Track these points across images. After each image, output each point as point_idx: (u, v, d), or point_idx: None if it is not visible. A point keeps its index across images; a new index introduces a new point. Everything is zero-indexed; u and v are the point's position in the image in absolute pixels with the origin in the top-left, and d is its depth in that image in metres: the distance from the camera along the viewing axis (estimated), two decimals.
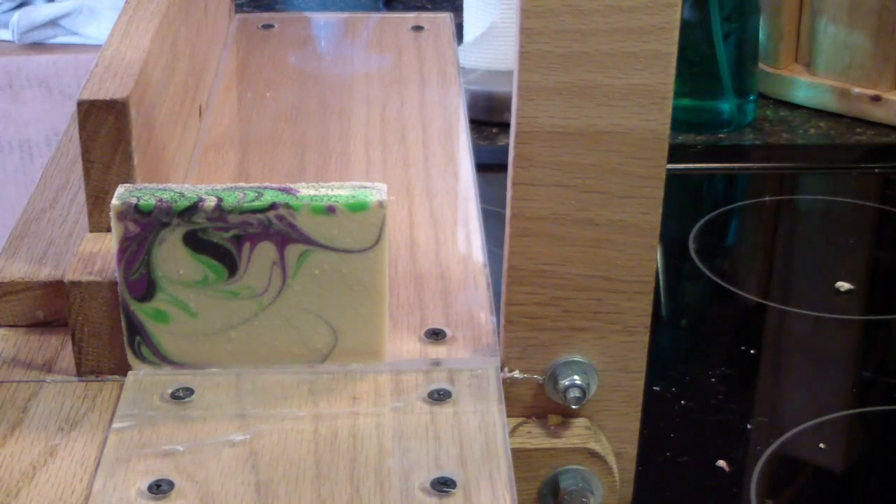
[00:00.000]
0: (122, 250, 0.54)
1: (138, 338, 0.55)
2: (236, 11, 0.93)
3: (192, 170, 0.72)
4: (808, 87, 1.30)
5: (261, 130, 0.77)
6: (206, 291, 0.54)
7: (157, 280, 0.54)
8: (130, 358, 0.56)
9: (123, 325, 0.55)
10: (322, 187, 0.55)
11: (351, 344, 0.56)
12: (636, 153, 0.54)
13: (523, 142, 0.54)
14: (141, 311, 0.55)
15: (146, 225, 0.53)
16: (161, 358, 0.56)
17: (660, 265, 1.03)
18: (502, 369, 0.58)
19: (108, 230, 0.55)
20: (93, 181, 0.59)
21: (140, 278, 0.54)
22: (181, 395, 0.55)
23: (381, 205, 0.54)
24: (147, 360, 0.56)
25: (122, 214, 0.53)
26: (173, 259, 0.54)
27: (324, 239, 0.54)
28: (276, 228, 0.53)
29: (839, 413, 0.86)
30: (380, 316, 0.56)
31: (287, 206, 0.53)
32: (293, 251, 0.54)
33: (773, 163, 1.23)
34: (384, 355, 0.56)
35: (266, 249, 0.54)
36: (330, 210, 0.53)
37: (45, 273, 0.60)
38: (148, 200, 0.53)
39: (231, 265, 0.54)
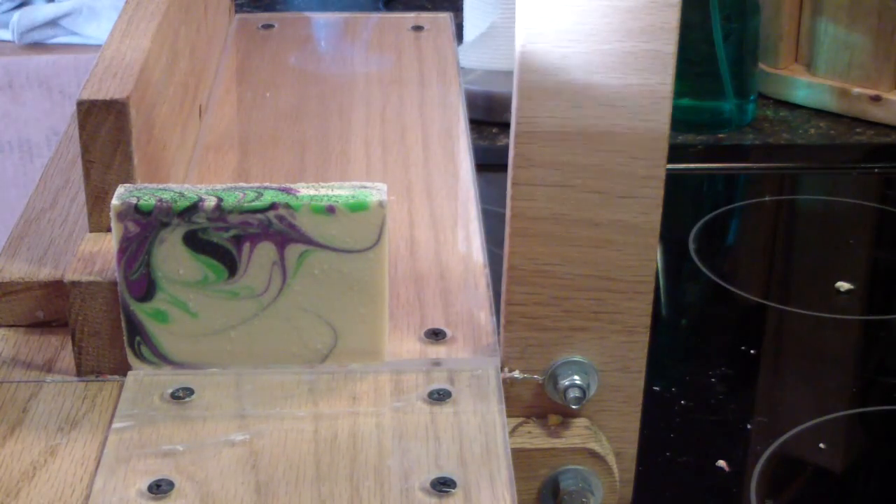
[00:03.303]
0: (122, 250, 0.54)
1: (138, 338, 0.55)
2: (236, 11, 0.93)
3: (192, 170, 0.72)
4: (808, 87, 1.30)
5: (261, 130, 0.77)
6: (206, 291, 0.54)
7: (157, 280, 0.54)
8: (130, 358, 0.56)
9: (123, 325, 0.55)
10: (322, 187, 0.55)
11: (351, 344, 0.56)
12: (636, 153, 0.54)
13: (523, 142, 0.54)
14: (141, 311, 0.55)
15: (146, 225, 0.53)
16: (161, 358, 0.56)
17: (660, 265, 1.03)
18: (502, 369, 0.58)
19: (108, 230, 0.55)
20: (93, 181, 0.59)
21: (140, 278, 0.54)
22: (181, 395, 0.55)
23: (381, 205, 0.54)
24: (147, 360, 0.56)
25: (122, 214, 0.53)
26: (173, 259, 0.54)
27: (324, 239, 0.54)
28: (276, 228, 0.54)
29: (839, 413, 0.86)
30: (380, 316, 0.56)
31: (287, 206, 0.53)
32: (293, 251, 0.54)
33: (773, 163, 1.23)
34: (384, 355, 0.56)
35: (266, 249, 0.54)
36: (330, 210, 0.53)
37: (45, 273, 0.60)
38: (148, 200, 0.53)
39: (231, 265, 0.54)
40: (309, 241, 0.54)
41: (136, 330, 0.55)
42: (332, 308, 0.55)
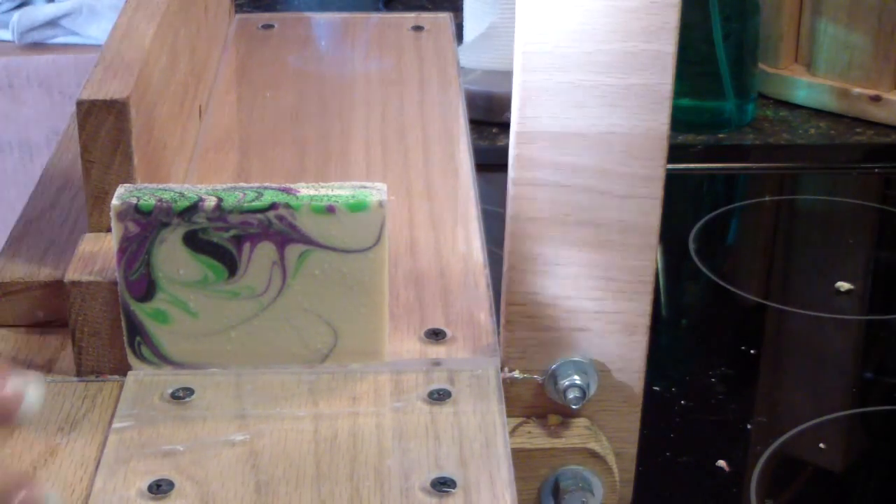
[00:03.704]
0: (122, 250, 0.54)
1: (138, 338, 0.55)
2: (236, 11, 0.93)
3: (192, 170, 0.72)
4: (808, 87, 1.30)
5: (261, 130, 0.77)
6: (206, 291, 0.54)
7: (157, 280, 0.54)
8: (130, 358, 0.56)
9: (123, 325, 0.55)
10: (322, 187, 0.55)
11: (351, 344, 0.56)
12: (636, 153, 0.54)
13: (523, 142, 0.54)
14: (141, 311, 0.55)
15: (146, 225, 0.53)
16: (161, 358, 0.56)
17: (660, 265, 1.03)
18: (502, 369, 0.58)
19: (108, 230, 0.55)
20: (93, 181, 0.59)
21: (140, 278, 0.54)
22: (181, 395, 0.55)
23: (381, 205, 0.54)
24: (147, 360, 0.56)
25: (122, 214, 0.53)
26: (173, 259, 0.54)
27: (324, 239, 0.54)
28: (276, 228, 0.54)
29: (839, 413, 0.86)
30: (380, 316, 0.56)
31: (287, 206, 0.53)
32: (293, 251, 0.54)
33: (773, 163, 1.23)
34: (384, 355, 0.56)
35: (266, 249, 0.54)
36: (330, 210, 0.53)
37: (45, 273, 0.60)
38: (148, 200, 0.53)
39: (231, 265, 0.54)
40: (309, 241, 0.54)
41: (136, 330, 0.55)
42: (332, 308, 0.55)
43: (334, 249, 0.54)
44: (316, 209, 0.53)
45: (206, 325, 0.55)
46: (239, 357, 0.56)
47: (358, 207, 0.54)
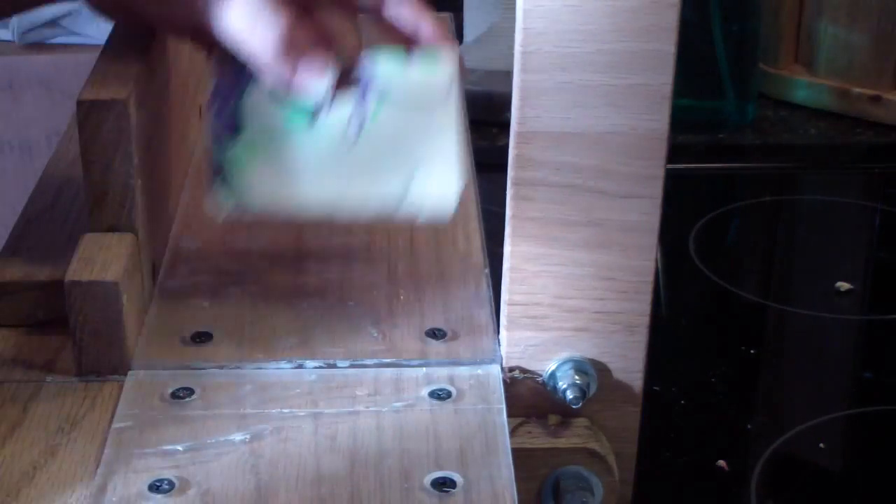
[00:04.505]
0: (215, 94, 0.56)
1: (220, 178, 0.57)
2: None
3: (193, 170, 0.72)
4: (808, 87, 1.29)
5: None
6: (287, 136, 0.56)
7: (242, 123, 0.56)
8: (210, 203, 0.57)
9: (207, 168, 0.57)
10: (399, 49, 0.57)
11: (421, 195, 0.57)
12: (636, 153, 0.54)
13: (523, 142, 0.54)
14: (225, 152, 0.56)
15: (240, 69, 0.56)
16: (240, 201, 0.57)
17: (660, 265, 1.03)
18: (502, 369, 0.58)
19: (109, 230, 0.56)
20: (93, 181, 0.59)
21: (227, 121, 0.56)
22: (181, 395, 0.55)
23: (452, 62, 0.56)
24: (226, 201, 0.57)
25: (221, 58, 0.56)
26: (260, 105, 0.56)
27: (400, 92, 0.56)
28: (356, 78, 0.56)
29: (839, 413, 0.86)
30: (450, 169, 0.57)
31: (368, 59, 0.56)
32: (371, 101, 0.56)
33: (773, 163, 1.23)
34: (452, 209, 0.58)
35: (347, 98, 0.56)
36: (406, 65, 0.56)
37: (45, 273, 0.60)
38: None
39: (313, 112, 0.56)
40: (386, 95, 0.56)
41: (218, 171, 0.57)
42: (405, 159, 0.57)
43: (409, 102, 0.56)
44: (393, 63, 0.56)
45: (286, 168, 0.57)
46: (314, 203, 0.57)
47: (431, 64, 0.56)
